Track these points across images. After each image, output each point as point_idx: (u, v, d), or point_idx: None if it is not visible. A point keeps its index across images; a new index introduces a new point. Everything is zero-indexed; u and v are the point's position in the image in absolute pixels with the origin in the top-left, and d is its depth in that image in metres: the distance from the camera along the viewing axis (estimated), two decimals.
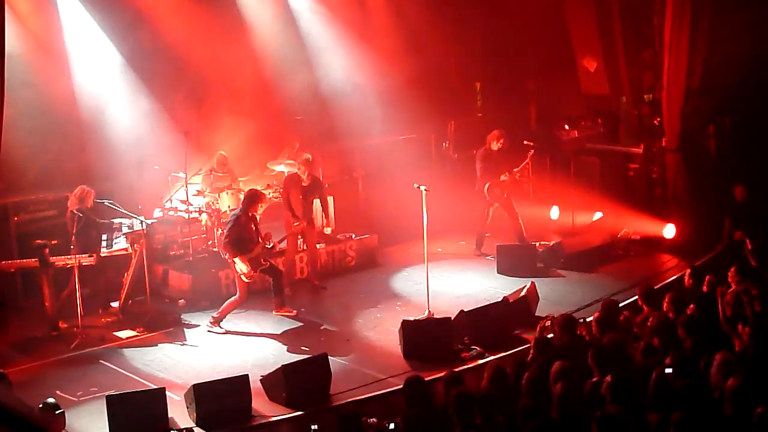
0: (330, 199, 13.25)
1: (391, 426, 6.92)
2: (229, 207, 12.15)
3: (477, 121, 16.03)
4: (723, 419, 6.27)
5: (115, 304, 11.15)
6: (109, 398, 8.18)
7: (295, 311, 11.10)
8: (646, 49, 13.82)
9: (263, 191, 11.31)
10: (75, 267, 10.18)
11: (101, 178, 12.03)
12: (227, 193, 12.37)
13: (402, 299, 11.55)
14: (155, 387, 8.69)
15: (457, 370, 8.51)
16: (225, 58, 13.47)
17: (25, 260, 10.56)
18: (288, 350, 10.06)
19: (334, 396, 8.81)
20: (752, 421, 6.02)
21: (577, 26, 15.24)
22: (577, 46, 15.30)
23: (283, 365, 8.80)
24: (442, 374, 7.64)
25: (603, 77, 14.93)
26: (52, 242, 10.47)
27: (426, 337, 9.80)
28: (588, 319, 8.81)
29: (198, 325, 10.83)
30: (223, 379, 8.65)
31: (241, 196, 11.33)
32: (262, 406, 8.64)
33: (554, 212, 14.37)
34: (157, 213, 12.41)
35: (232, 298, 10.67)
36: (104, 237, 10.90)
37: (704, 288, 9.39)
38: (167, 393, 8.37)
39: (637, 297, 9.60)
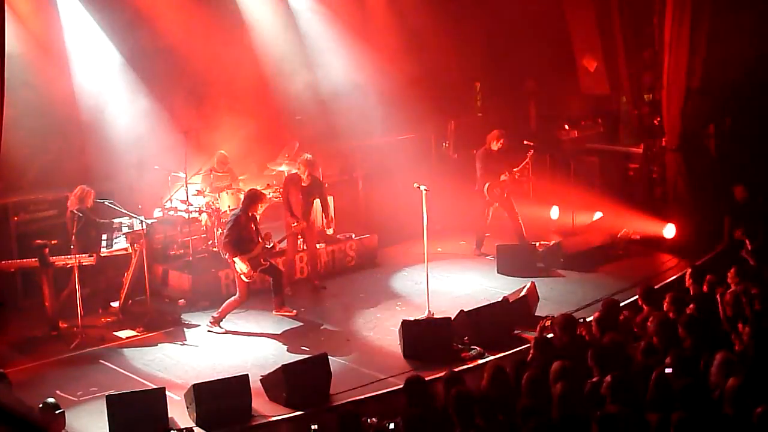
0: (330, 199, 13.25)
1: (391, 426, 6.92)
2: (229, 207, 12.15)
3: (477, 121, 16.03)
4: (723, 419, 6.27)
5: (115, 304, 11.15)
6: (109, 398, 8.18)
7: (295, 311, 11.10)
8: (646, 48, 13.83)
9: (263, 191, 11.30)
10: (75, 267, 10.17)
11: (101, 178, 12.03)
12: (227, 192, 12.37)
13: (402, 299, 11.55)
14: (155, 387, 8.68)
15: (457, 370, 8.51)
16: (225, 58, 13.46)
17: (25, 260, 10.56)
18: (288, 350, 10.07)
19: (334, 396, 8.81)
20: (752, 421, 6.02)
21: (577, 26, 15.24)
22: (577, 46, 15.30)
23: (283, 365, 8.80)
24: (442, 374, 7.64)
25: (603, 77, 14.94)
26: (52, 242, 10.47)
27: (426, 337, 9.80)
28: (588, 319, 8.81)
29: (198, 325, 10.83)
30: (223, 379, 8.65)
31: (241, 196, 11.33)
32: (262, 406, 8.64)
33: (554, 212, 14.37)
34: (157, 213, 12.41)
35: (232, 298, 10.67)
36: (104, 237, 10.89)
37: (704, 288, 9.39)
38: (167, 393, 8.36)
39: (637, 297, 9.61)
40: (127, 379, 9.36)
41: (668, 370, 6.97)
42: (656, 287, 10.68)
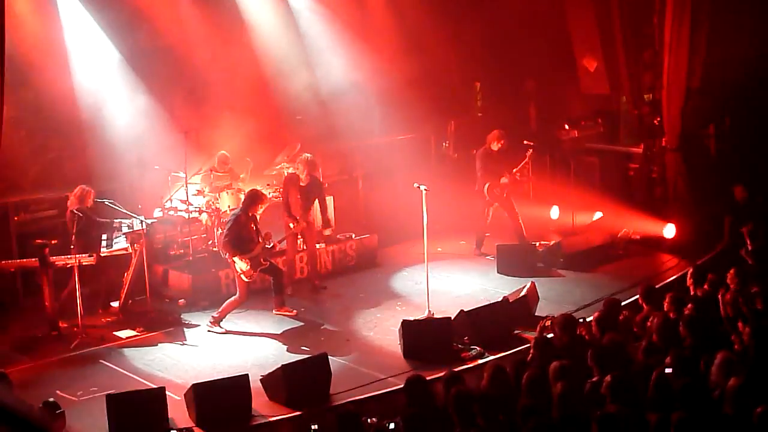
0: (330, 199, 13.25)
1: (391, 426, 6.92)
2: (229, 207, 12.15)
3: (477, 121, 16.03)
4: (723, 419, 6.27)
5: (115, 304, 11.14)
6: (109, 398, 8.18)
7: (295, 311, 11.10)
8: (646, 48, 13.83)
9: (264, 191, 11.29)
10: (75, 267, 10.17)
11: (101, 178, 12.03)
12: (227, 192, 12.37)
13: (402, 299, 11.55)
14: (155, 387, 8.68)
15: (457, 369, 8.50)
16: (225, 57, 13.47)
17: (25, 260, 10.55)
18: (288, 350, 10.06)
19: (334, 396, 8.81)
20: (752, 421, 6.02)
21: (577, 26, 15.23)
22: (577, 46, 15.30)
23: (283, 365, 8.80)
24: (442, 374, 7.64)
25: (603, 77, 14.93)
26: (52, 242, 10.46)
27: (426, 337, 9.80)
28: (588, 319, 8.81)
29: (198, 325, 10.83)
30: (223, 379, 8.65)
31: (242, 196, 11.33)
32: (262, 406, 8.64)
33: (554, 212, 14.37)
34: (157, 213, 12.41)
35: (232, 298, 10.67)
36: (104, 237, 10.89)
37: (705, 287, 9.39)
38: (167, 393, 8.36)
39: (637, 296, 9.61)
40: (127, 379, 9.36)
41: (668, 370, 6.97)
42: (656, 287, 10.68)
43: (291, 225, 11.54)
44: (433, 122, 15.77)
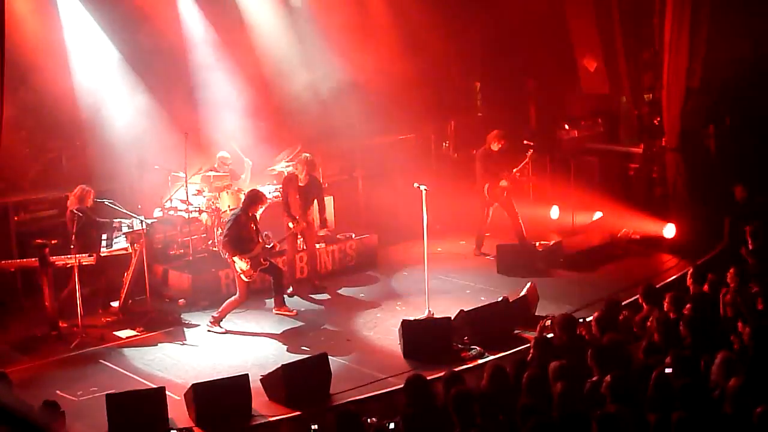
0: (330, 199, 13.26)
1: (391, 426, 6.91)
2: (229, 207, 12.15)
3: (477, 121, 16.04)
4: (723, 419, 6.27)
5: (115, 304, 11.14)
6: (109, 398, 8.18)
7: (295, 311, 11.10)
8: (646, 49, 13.83)
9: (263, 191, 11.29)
10: (75, 267, 10.16)
11: (101, 178, 12.03)
12: (227, 192, 12.37)
13: (402, 299, 11.54)
14: (155, 386, 8.67)
15: (457, 369, 8.50)
16: (225, 57, 13.46)
17: (25, 260, 10.55)
18: (288, 350, 10.06)
19: (334, 396, 8.81)
20: (752, 421, 6.02)
21: (577, 26, 15.23)
22: (577, 45, 15.30)
23: (283, 365, 8.80)
24: (442, 374, 7.64)
25: (603, 77, 14.93)
26: (52, 242, 10.46)
27: (426, 337, 9.80)
28: (588, 319, 8.81)
29: (198, 325, 10.83)
30: (223, 379, 8.65)
31: (242, 196, 11.33)
32: (262, 406, 8.64)
33: (554, 212, 14.37)
34: (157, 213, 12.41)
35: (232, 298, 10.67)
36: (104, 237, 10.89)
37: (705, 287, 9.39)
38: (167, 392, 8.36)
39: (637, 296, 9.61)
40: (127, 379, 9.36)
41: (668, 370, 6.97)
42: (656, 287, 10.68)
43: (290, 224, 11.54)
44: (433, 122, 15.77)
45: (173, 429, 8.14)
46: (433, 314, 10.43)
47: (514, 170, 12.93)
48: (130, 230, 10.93)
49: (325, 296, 11.85)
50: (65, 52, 12.25)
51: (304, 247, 12.18)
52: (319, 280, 12.11)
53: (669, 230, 13.12)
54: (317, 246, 12.33)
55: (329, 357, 9.03)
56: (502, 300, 10.47)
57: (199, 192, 12.32)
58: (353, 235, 13.08)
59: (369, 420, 7.27)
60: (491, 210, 13.05)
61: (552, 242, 12.95)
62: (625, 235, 13.24)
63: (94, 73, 12.45)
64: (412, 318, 10.29)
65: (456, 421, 6.57)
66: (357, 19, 14.64)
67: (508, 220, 13.10)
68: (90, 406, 8.66)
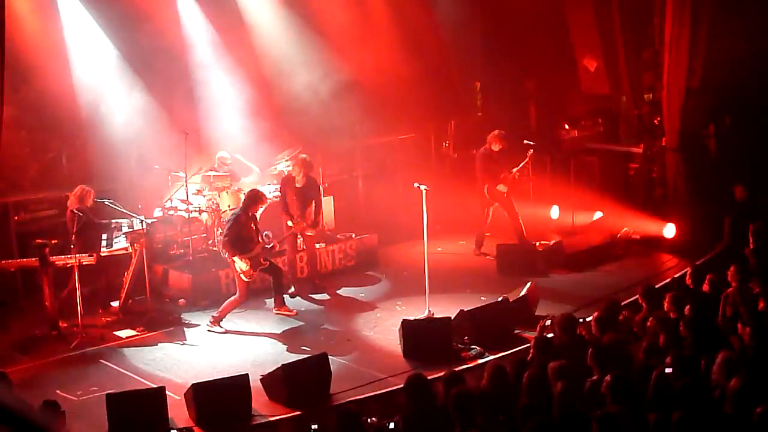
0: (330, 199, 13.28)
1: (391, 426, 6.92)
2: (229, 206, 12.15)
3: (477, 121, 16.04)
4: (723, 418, 6.27)
5: (115, 304, 11.14)
6: (109, 397, 8.18)
7: (295, 311, 11.10)
8: (646, 48, 13.84)
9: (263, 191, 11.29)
10: (75, 266, 10.16)
11: (101, 177, 12.03)
12: (227, 192, 12.37)
13: (402, 299, 11.54)
14: (155, 386, 8.67)
15: (456, 369, 8.49)
16: (225, 57, 13.47)
17: (25, 259, 10.55)
18: (288, 350, 10.06)
19: (335, 395, 8.81)
20: (752, 421, 6.02)
21: (577, 26, 15.23)
22: (577, 45, 15.30)
23: (283, 365, 8.80)
24: (442, 374, 7.64)
25: (603, 77, 14.93)
26: (52, 242, 10.46)
27: (426, 337, 9.80)
28: (588, 319, 8.81)
29: (198, 325, 10.83)
30: (222, 379, 8.65)
31: (242, 196, 11.33)
32: (262, 405, 8.64)
33: (554, 212, 14.37)
34: (157, 212, 12.41)
35: (232, 298, 10.67)
36: (104, 236, 10.89)
37: (705, 287, 9.40)
38: (167, 392, 8.36)
39: (637, 296, 9.61)
40: (127, 378, 9.36)
41: (668, 370, 6.97)
42: (656, 287, 10.68)
43: (289, 223, 11.53)
44: (433, 122, 15.77)
45: (173, 429, 8.14)
46: (433, 314, 10.43)
47: (514, 170, 12.93)
48: (130, 230, 10.93)
49: (325, 296, 11.85)
50: (65, 51, 12.26)
51: (304, 247, 12.17)
52: (319, 279, 12.10)
53: (669, 230, 13.12)
54: (317, 246, 12.33)
55: (329, 357, 9.02)
56: (502, 300, 10.47)
57: (199, 192, 12.32)
58: (353, 235, 13.08)
59: (369, 420, 7.27)
60: (491, 210, 13.05)
61: (552, 242, 12.95)
62: (625, 235, 13.24)
63: (94, 72, 12.46)
64: (412, 318, 10.29)
65: (456, 421, 6.57)
66: (357, 19, 14.65)
67: (508, 220, 13.10)
68: (90, 406, 8.67)
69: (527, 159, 13.07)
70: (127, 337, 10.51)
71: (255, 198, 10.68)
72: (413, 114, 14.91)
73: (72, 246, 10.23)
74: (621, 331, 8.46)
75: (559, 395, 6.60)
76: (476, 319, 10.00)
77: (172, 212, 12.33)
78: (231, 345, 10.31)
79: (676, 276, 11.29)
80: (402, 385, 7.48)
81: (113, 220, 11.12)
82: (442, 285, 11.72)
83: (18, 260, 10.72)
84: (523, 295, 10.58)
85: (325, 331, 10.68)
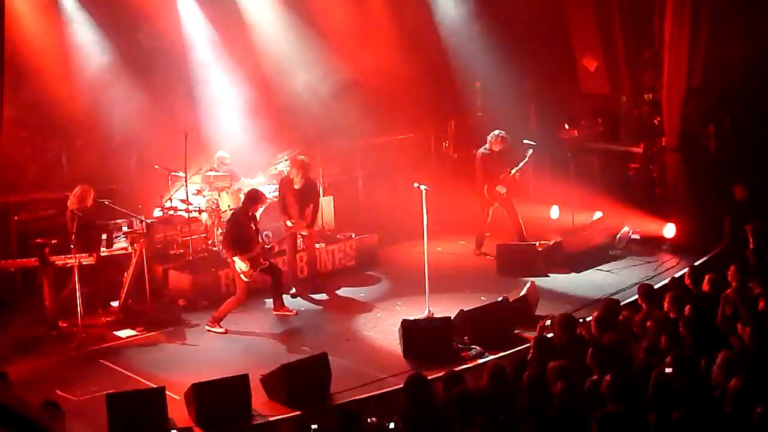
0: (330, 199, 13.28)
1: (391, 425, 6.91)
2: (229, 206, 12.15)
3: (477, 121, 16.03)
4: (723, 418, 6.27)
5: (115, 304, 11.14)
6: (109, 397, 8.17)
7: (295, 311, 11.10)
8: (646, 48, 13.83)
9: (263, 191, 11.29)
10: (75, 266, 10.16)
11: (101, 178, 12.03)
12: (227, 192, 12.37)
13: (402, 299, 11.54)
14: (155, 386, 8.68)
15: (456, 369, 8.50)
16: (225, 57, 13.47)
17: (25, 259, 10.55)
18: (288, 350, 10.06)
19: (335, 395, 8.81)
20: (752, 421, 6.02)
21: (577, 26, 15.24)
22: (577, 45, 15.30)
23: (283, 365, 8.79)
24: (442, 374, 7.64)
25: (603, 76, 14.94)
26: (52, 241, 10.45)
27: (426, 337, 9.80)
28: (588, 319, 8.81)
29: (198, 325, 10.82)
30: (223, 379, 8.63)
31: (242, 196, 11.33)
32: (262, 405, 8.63)
33: (554, 212, 14.37)
34: (157, 212, 12.41)
35: (232, 298, 10.67)
36: (104, 236, 10.89)
37: (704, 287, 9.39)
38: (167, 392, 8.36)
39: (637, 296, 9.61)
40: (127, 378, 9.36)
41: (668, 370, 6.97)
42: (656, 287, 10.69)
43: (288, 223, 11.51)
44: (433, 122, 15.77)
45: (173, 429, 8.13)
46: (433, 314, 10.43)
47: (515, 170, 12.93)
48: (130, 230, 10.94)
49: (325, 296, 11.85)
50: (65, 52, 12.25)
51: (304, 247, 12.17)
52: (320, 278, 12.09)
53: (669, 230, 13.13)
54: (317, 246, 12.33)
55: (329, 357, 9.02)
56: (502, 300, 10.47)
57: (199, 192, 12.32)
58: (353, 235, 13.08)
59: (369, 420, 7.27)
60: (491, 210, 13.05)
61: (552, 242, 12.95)
62: (625, 235, 13.25)
63: (94, 72, 12.45)
64: (412, 318, 10.29)
65: (456, 421, 6.57)
66: (357, 19, 14.65)
67: (508, 220, 13.10)
68: (90, 406, 8.66)
69: (527, 159, 13.07)
70: (127, 337, 10.51)
71: (255, 198, 10.68)
72: (413, 114, 14.91)
73: (72, 246, 10.23)
74: (621, 331, 8.46)
75: (559, 395, 6.60)
76: (476, 319, 10.00)
77: (172, 212, 12.32)
78: (231, 345, 10.31)
79: (676, 276, 11.29)
80: (402, 385, 7.48)
81: (113, 220, 11.11)
82: (442, 285, 11.72)
83: (18, 260, 10.71)
84: (523, 295, 10.59)
85: (325, 331, 10.68)
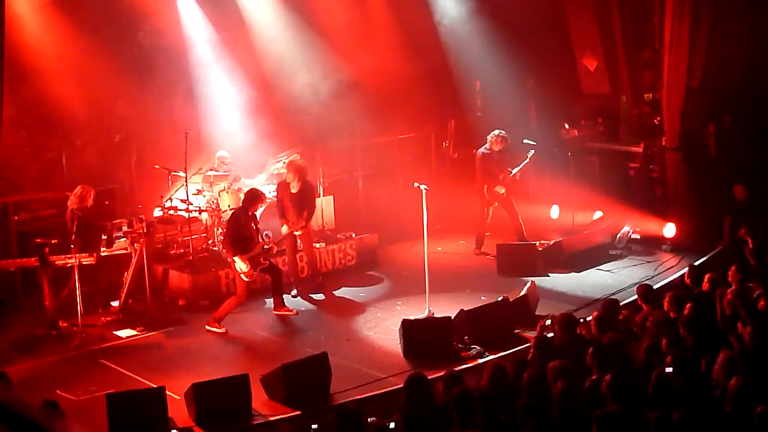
0: (330, 199, 13.28)
1: (391, 425, 6.91)
2: (229, 206, 12.15)
3: (477, 120, 16.03)
4: (723, 418, 6.27)
5: (115, 304, 11.15)
6: (109, 398, 8.17)
7: (295, 311, 11.11)
8: (646, 48, 13.83)
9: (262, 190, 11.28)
10: (75, 266, 10.16)
11: (101, 177, 12.03)
12: (227, 192, 12.38)
13: (402, 299, 11.54)
14: (155, 386, 8.67)
15: (456, 369, 8.50)
16: (225, 56, 13.47)
17: (25, 259, 10.55)
18: (288, 350, 10.05)
19: (334, 395, 8.81)
20: (752, 420, 6.02)
21: (577, 25, 15.23)
22: (577, 45, 15.30)
23: (283, 364, 8.79)
24: (442, 373, 7.64)
25: (603, 76, 14.93)
26: (52, 241, 10.46)
27: (426, 337, 9.80)
28: (588, 319, 8.81)
29: (198, 325, 10.82)
30: (223, 379, 8.64)
31: (242, 196, 11.33)
32: (262, 405, 8.63)
33: (554, 211, 14.37)
34: (157, 212, 12.41)
35: (232, 298, 10.67)
36: (104, 236, 10.89)
37: (704, 287, 9.40)
38: (167, 392, 8.35)
39: (636, 296, 9.61)
40: (127, 378, 9.35)
41: (669, 370, 6.97)
42: (656, 287, 10.70)
43: (283, 229, 11.47)
44: (433, 121, 15.77)
45: (173, 429, 8.13)
46: (433, 314, 10.43)
47: (515, 170, 12.93)
48: (130, 230, 10.93)
49: (325, 296, 11.85)
50: (65, 51, 12.24)
51: (302, 248, 12.14)
52: (321, 277, 12.08)
53: (669, 230, 13.13)
54: (317, 246, 12.33)
55: (329, 357, 9.02)
56: (502, 300, 10.47)
57: (199, 192, 12.32)
58: (353, 235, 13.08)
59: (369, 420, 7.27)
60: (491, 209, 13.05)
61: (552, 242, 12.95)
62: (626, 234, 13.25)
63: (93, 72, 12.44)
64: (412, 318, 10.29)
65: (456, 421, 6.57)
66: (357, 19, 14.65)
67: (508, 220, 13.10)
68: (90, 406, 8.66)
69: (528, 159, 13.07)
70: (127, 337, 10.52)
71: (254, 197, 10.68)
72: (413, 114, 14.91)
73: (72, 246, 10.23)
74: (621, 330, 8.46)
75: (559, 395, 6.60)
76: (476, 319, 10.00)
77: (172, 212, 12.33)
78: (231, 345, 10.31)
79: (676, 276, 11.30)
80: (402, 385, 7.48)
81: (113, 220, 11.12)
82: (442, 285, 11.73)
83: (18, 260, 10.72)
84: (523, 295, 10.59)
85: (325, 331, 10.68)
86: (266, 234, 10.97)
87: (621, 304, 9.78)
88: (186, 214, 12.10)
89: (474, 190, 13.15)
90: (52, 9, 12.13)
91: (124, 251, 10.90)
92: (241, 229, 10.49)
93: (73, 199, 10.85)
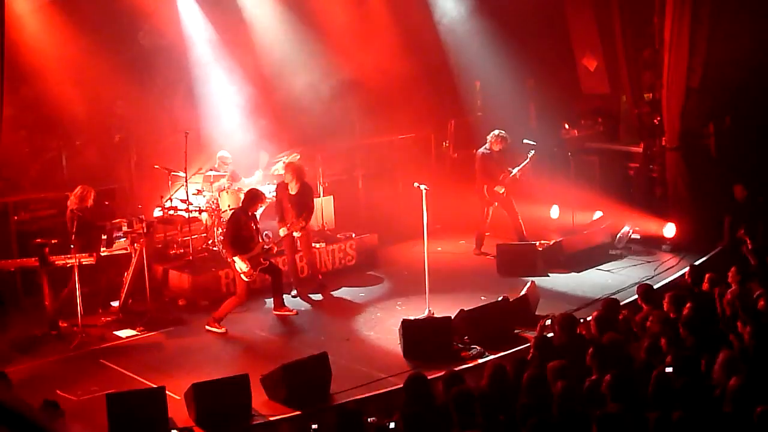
0: (330, 199, 13.27)
1: (391, 425, 6.91)
2: (229, 206, 12.15)
3: (477, 121, 16.04)
4: (723, 418, 6.27)
5: (115, 304, 11.15)
6: (109, 397, 8.17)
7: (295, 311, 11.10)
8: (646, 47, 13.83)
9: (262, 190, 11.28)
10: (75, 266, 10.16)
11: (101, 177, 12.03)
12: (227, 192, 12.38)
13: (402, 299, 11.54)
14: (155, 386, 8.67)
15: (456, 369, 8.50)
16: (225, 56, 13.47)
17: (25, 259, 10.55)
18: (288, 350, 10.05)
19: (334, 395, 8.80)
20: (752, 420, 6.02)
21: (577, 25, 15.23)
22: (577, 45, 15.30)
23: (283, 364, 8.79)
24: (442, 374, 7.64)
25: (603, 76, 14.93)
26: (52, 241, 10.46)
27: (426, 337, 9.80)
28: (588, 319, 8.81)
29: (198, 325, 10.82)
30: (223, 379, 8.64)
31: (242, 196, 11.33)
32: (262, 405, 8.63)
33: (554, 211, 14.37)
34: (157, 212, 12.41)
35: (232, 298, 10.67)
36: (104, 236, 10.89)
37: (704, 286, 9.40)
38: (167, 392, 8.35)
39: (636, 296, 9.61)
40: (127, 378, 9.35)
41: (669, 370, 6.97)
42: (656, 287, 10.69)
43: (281, 232, 11.46)
44: (433, 121, 15.77)
45: (173, 429, 8.13)
46: (433, 314, 10.43)
47: (516, 170, 12.93)
48: (130, 230, 10.93)
49: (325, 296, 11.85)
50: (65, 51, 12.25)
51: (301, 248, 12.13)
52: (321, 275, 12.07)
53: (669, 230, 13.13)
54: (317, 246, 12.32)
55: (329, 357, 9.02)
56: (502, 300, 10.47)
57: (199, 192, 12.32)
58: (353, 235, 13.08)
59: (369, 419, 7.27)
60: (491, 209, 13.05)
61: (552, 242, 12.95)
62: (626, 234, 13.25)
63: (93, 72, 12.44)
64: (412, 317, 10.29)
65: (456, 421, 6.57)
66: (357, 19, 14.65)
67: (508, 220, 13.10)
68: (90, 406, 8.66)
69: (528, 159, 13.07)
70: (127, 337, 10.52)
71: (254, 197, 10.68)
72: (413, 114, 14.91)
73: (72, 246, 10.23)
74: (621, 330, 8.46)
75: (559, 395, 6.60)
76: (476, 319, 10.00)
77: (172, 212, 12.33)
78: (231, 345, 10.31)
79: (675, 276, 11.30)
80: (402, 385, 7.48)
81: (113, 220, 11.12)
82: (442, 285, 11.73)
83: (18, 260, 10.72)
84: (523, 295, 10.58)
85: (325, 331, 10.68)
86: (266, 234, 10.97)
87: (621, 304, 9.78)
88: (186, 214, 12.10)
89: (474, 190, 13.15)
90: (52, 9, 12.14)
91: (124, 251, 10.90)
92: (241, 229, 10.49)
93: (73, 199, 10.85)
